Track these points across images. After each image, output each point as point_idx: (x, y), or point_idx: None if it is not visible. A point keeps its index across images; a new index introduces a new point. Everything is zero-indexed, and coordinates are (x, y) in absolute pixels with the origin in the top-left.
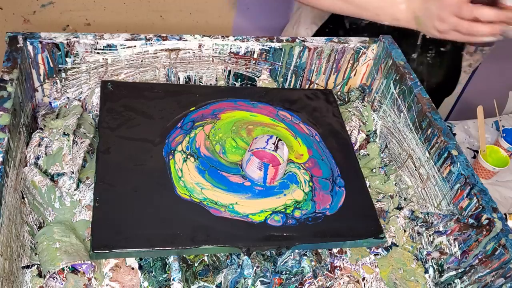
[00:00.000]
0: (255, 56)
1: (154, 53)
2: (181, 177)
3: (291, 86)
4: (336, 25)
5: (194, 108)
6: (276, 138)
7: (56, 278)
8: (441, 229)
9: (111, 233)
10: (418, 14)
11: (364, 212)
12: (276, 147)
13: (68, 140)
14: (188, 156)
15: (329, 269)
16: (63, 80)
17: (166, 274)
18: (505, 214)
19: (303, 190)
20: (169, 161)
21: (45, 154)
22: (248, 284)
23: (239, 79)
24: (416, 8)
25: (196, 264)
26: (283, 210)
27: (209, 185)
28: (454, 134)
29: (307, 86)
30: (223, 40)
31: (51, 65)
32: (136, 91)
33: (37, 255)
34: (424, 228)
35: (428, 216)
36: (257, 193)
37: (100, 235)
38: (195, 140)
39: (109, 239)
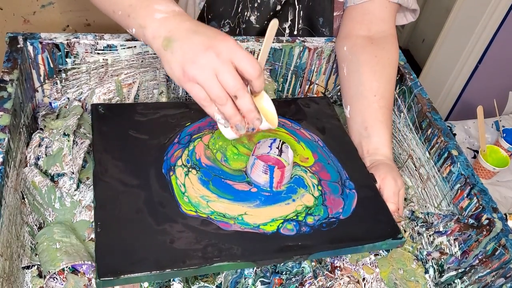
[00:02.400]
0: (255, 56)
1: (154, 54)
2: (184, 193)
3: (291, 87)
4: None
5: (189, 123)
6: (280, 141)
7: (56, 278)
8: (441, 229)
9: (117, 258)
10: (171, 36)
11: (379, 213)
12: (281, 151)
13: (68, 141)
14: (190, 169)
15: (329, 269)
16: (63, 80)
17: None
18: (505, 214)
19: (313, 195)
20: (170, 177)
21: (45, 154)
22: (248, 284)
23: None
24: (174, 28)
25: None
26: (295, 217)
27: (214, 196)
28: (454, 134)
29: (307, 87)
30: None
31: (51, 65)
32: (128, 112)
33: (37, 256)
34: (424, 228)
35: (428, 216)
36: (265, 200)
37: (105, 261)
38: (194, 151)
39: (115, 265)
